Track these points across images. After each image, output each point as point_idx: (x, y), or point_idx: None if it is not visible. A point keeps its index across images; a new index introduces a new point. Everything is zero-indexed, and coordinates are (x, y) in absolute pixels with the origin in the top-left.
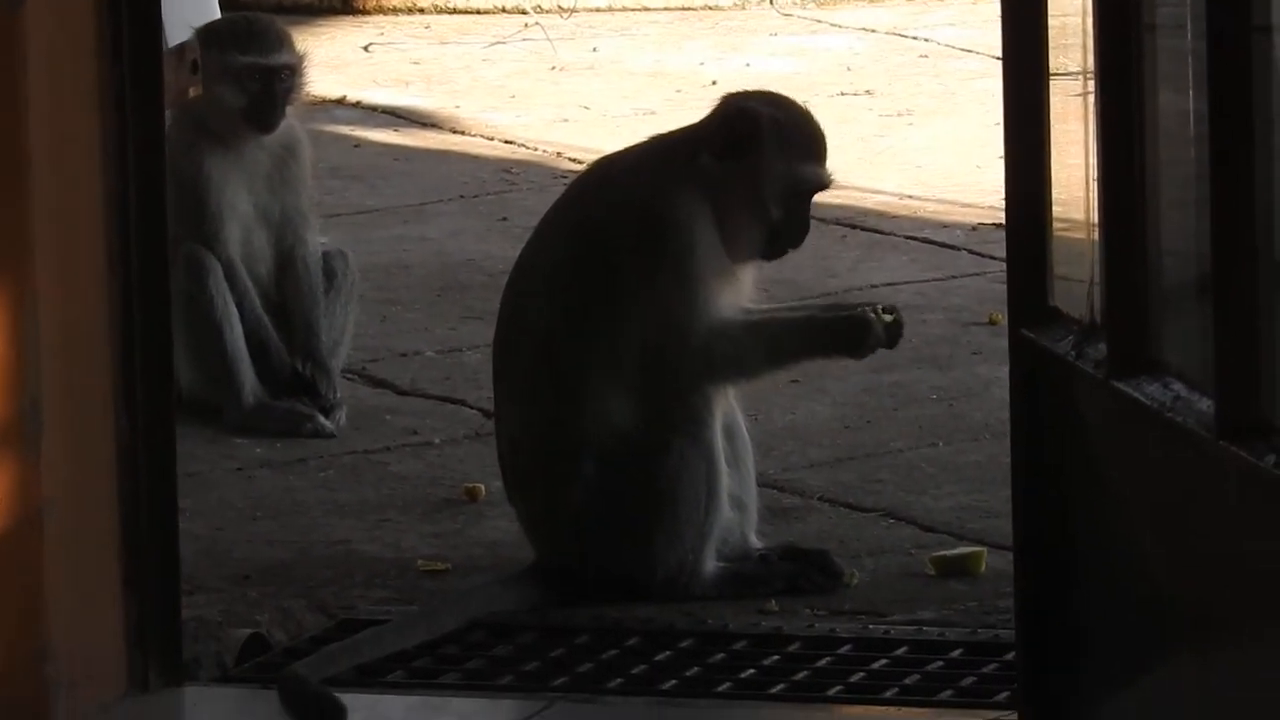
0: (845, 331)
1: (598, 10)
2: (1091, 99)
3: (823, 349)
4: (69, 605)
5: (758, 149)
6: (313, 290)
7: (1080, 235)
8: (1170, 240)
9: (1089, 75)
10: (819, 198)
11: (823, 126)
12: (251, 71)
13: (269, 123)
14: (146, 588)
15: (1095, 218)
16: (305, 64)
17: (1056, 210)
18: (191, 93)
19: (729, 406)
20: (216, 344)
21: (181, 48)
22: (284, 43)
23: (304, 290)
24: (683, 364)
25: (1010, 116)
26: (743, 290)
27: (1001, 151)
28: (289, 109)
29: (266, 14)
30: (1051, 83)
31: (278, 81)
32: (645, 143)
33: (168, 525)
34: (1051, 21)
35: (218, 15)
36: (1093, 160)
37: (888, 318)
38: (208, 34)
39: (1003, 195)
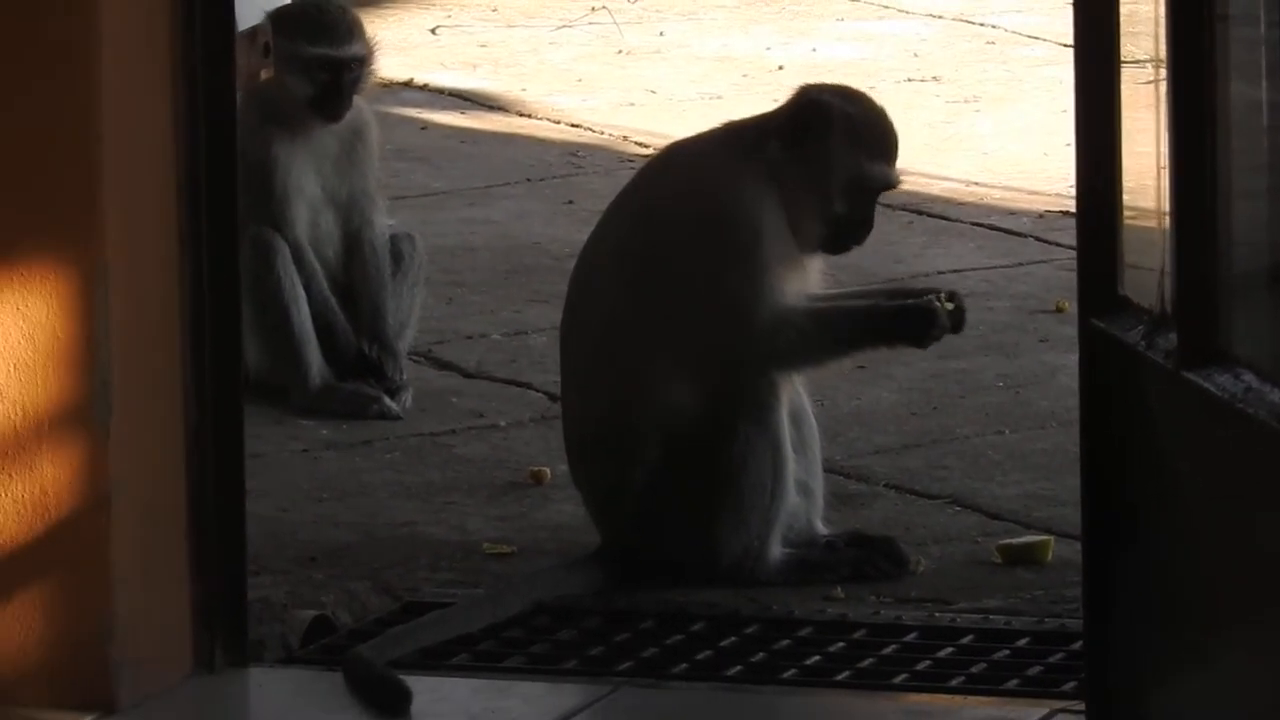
0: (909, 321)
1: None
2: (1162, 87)
3: (886, 338)
4: (136, 585)
5: (825, 140)
6: (379, 273)
7: (1151, 224)
8: (1241, 230)
9: (1159, 63)
10: None
11: (894, 123)
12: (321, 62)
13: (336, 113)
14: (213, 569)
15: (1166, 207)
16: (375, 53)
17: (1126, 199)
18: (263, 75)
19: (795, 392)
20: (283, 325)
21: (254, 30)
22: (355, 33)
23: (371, 273)
24: (747, 352)
25: (1081, 104)
26: (808, 277)
27: (1068, 139)
28: (356, 96)
29: (339, 1)
30: (1121, 70)
31: (346, 73)
32: (714, 130)
33: (235, 506)
34: (1121, 8)
35: None
36: (1163, 149)
37: (949, 305)
38: (279, 20)
39: (1070, 182)
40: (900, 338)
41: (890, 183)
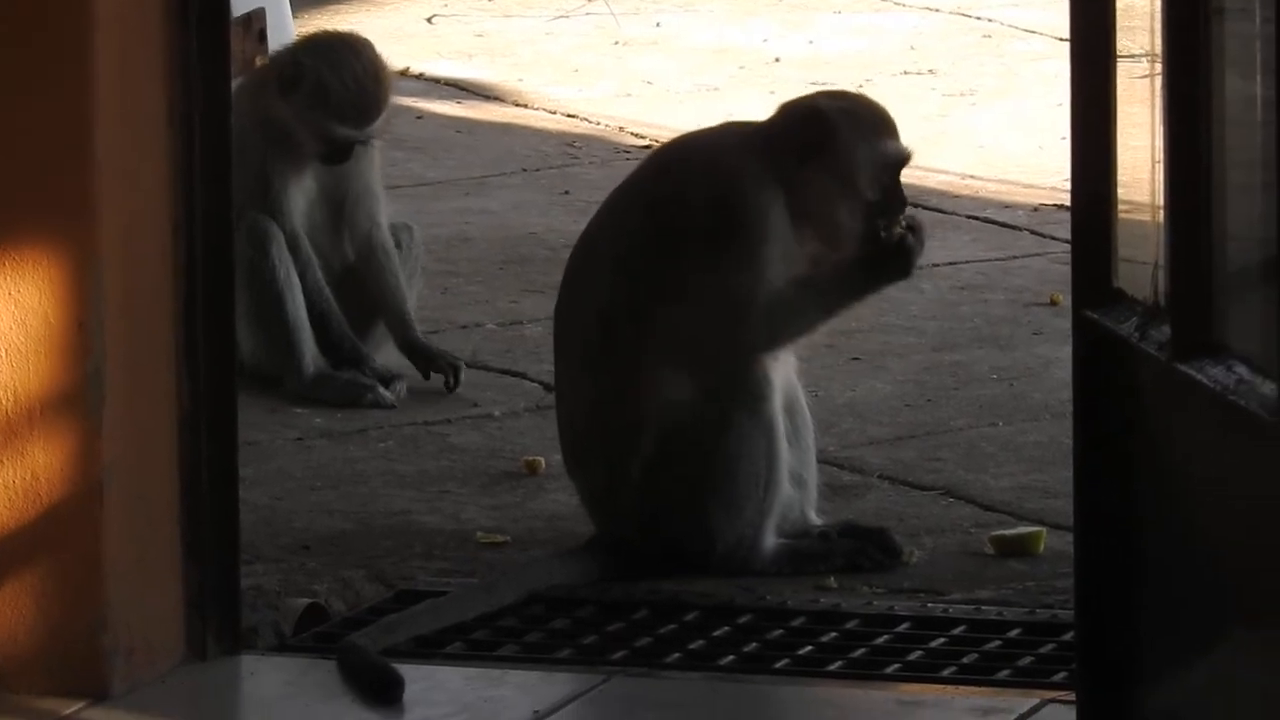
0: (885, 259)
1: None
2: (1157, 82)
3: (874, 280)
4: (128, 573)
5: (834, 144)
6: (396, 277)
7: (1145, 218)
8: (1235, 224)
9: (1155, 58)
10: None
11: (882, 105)
12: (343, 139)
13: (339, 164)
14: (206, 556)
15: (1160, 200)
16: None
17: (1121, 192)
18: (258, 61)
19: (790, 382)
20: (278, 312)
21: (248, 16)
22: (381, 107)
23: (389, 280)
24: (745, 339)
25: (1076, 98)
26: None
27: (1064, 133)
28: None
29: (373, 72)
30: (1117, 64)
31: (360, 144)
32: (721, 129)
33: (228, 494)
34: (1118, 3)
35: None
36: (1158, 143)
37: (908, 231)
38: (315, 69)
39: (1065, 176)
40: (885, 276)
41: (907, 155)
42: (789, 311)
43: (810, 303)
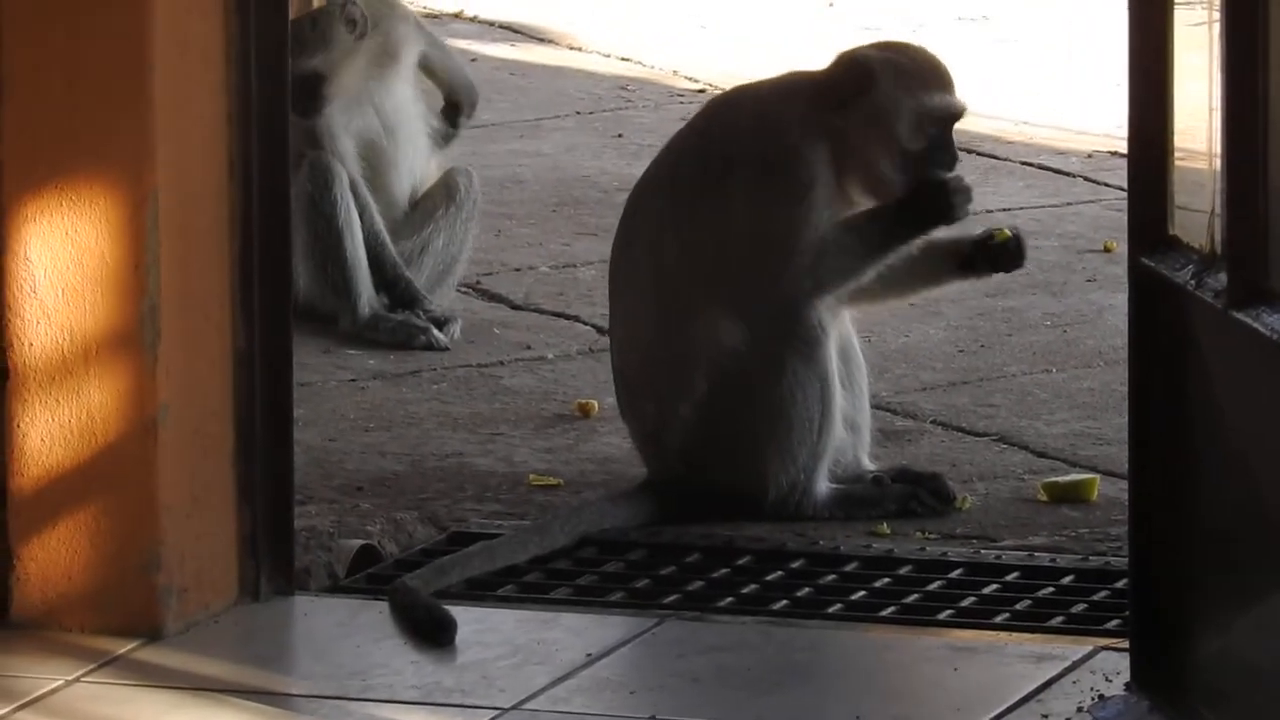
0: (926, 199)
1: None
2: (1214, 29)
3: (918, 220)
4: (182, 512)
5: (875, 93)
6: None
7: (1201, 165)
8: None
9: (1212, 5)
10: None
11: (940, 59)
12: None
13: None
14: (260, 497)
15: (1216, 148)
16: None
17: (1177, 140)
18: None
19: (844, 328)
20: (337, 250)
21: None
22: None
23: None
24: (794, 285)
25: (1133, 45)
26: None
27: (1118, 79)
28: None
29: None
30: (1174, 11)
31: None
32: (779, 78)
33: (282, 434)
34: None
35: None
36: (1215, 91)
37: (1008, 233)
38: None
39: (1119, 123)
40: (927, 219)
41: (953, 109)
42: (833, 253)
43: (853, 243)
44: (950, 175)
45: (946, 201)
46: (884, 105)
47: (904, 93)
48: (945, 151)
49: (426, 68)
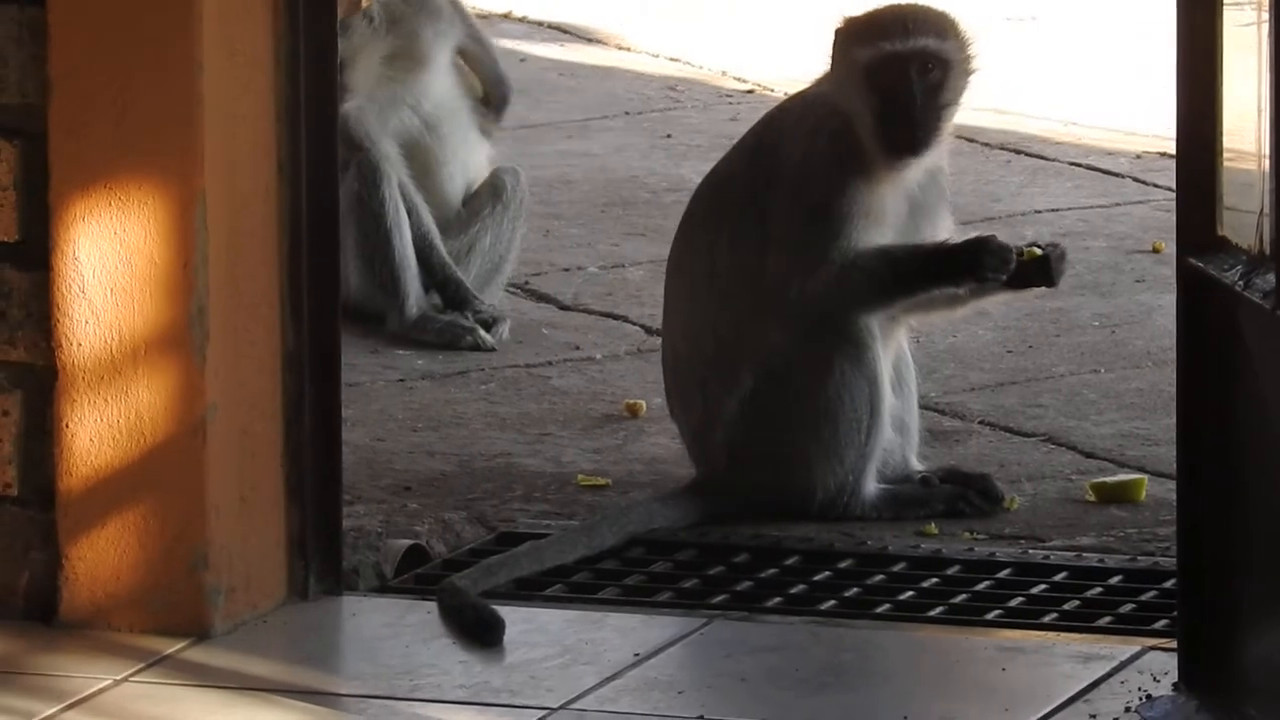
0: (961, 252)
1: None
2: (1263, 30)
3: (951, 272)
4: (230, 512)
5: (833, 63)
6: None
7: (1250, 166)
8: None
9: (1261, 6)
10: (982, 122)
11: (906, 10)
12: None
13: None
14: (308, 497)
15: (1265, 149)
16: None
17: (1225, 141)
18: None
19: (896, 330)
20: (386, 250)
21: None
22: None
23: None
24: (822, 296)
25: (1182, 46)
26: (887, 231)
27: (1166, 80)
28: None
29: None
30: (1223, 12)
31: None
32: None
33: (331, 434)
34: None
35: None
36: (1264, 91)
37: (1037, 251)
38: None
39: (1166, 124)
40: (958, 270)
41: (880, 55)
42: (863, 275)
43: (885, 270)
44: (990, 235)
45: (977, 260)
46: (838, 74)
47: (856, 50)
48: (894, 104)
49: (465, 60)
